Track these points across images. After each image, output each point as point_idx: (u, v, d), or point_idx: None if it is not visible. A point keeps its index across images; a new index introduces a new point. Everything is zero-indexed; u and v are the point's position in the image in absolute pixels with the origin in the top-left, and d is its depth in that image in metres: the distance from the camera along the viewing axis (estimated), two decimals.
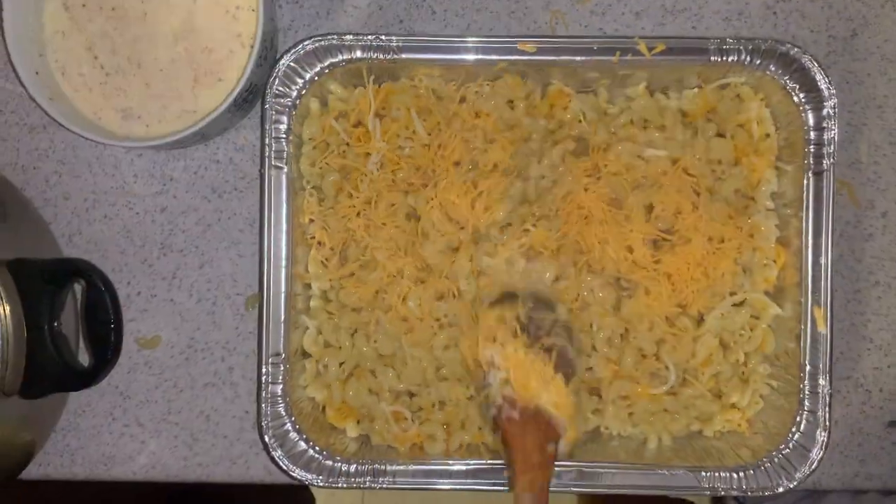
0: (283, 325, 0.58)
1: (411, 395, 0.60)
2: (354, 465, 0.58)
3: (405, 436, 0.59)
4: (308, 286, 0.61)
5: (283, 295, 0.58)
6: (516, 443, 0.52)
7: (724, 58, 0.57)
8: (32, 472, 0.64)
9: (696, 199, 0.58)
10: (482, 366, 0.55)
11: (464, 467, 0.58)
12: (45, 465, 0.64)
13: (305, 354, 0.61)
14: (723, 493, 0.57)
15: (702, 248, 0.58)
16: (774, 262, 0.60)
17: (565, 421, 0.54)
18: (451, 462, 0.58)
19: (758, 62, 0.57)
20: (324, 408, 0.61)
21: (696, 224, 0.58)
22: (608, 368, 0.59)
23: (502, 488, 0.58)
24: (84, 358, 0.59)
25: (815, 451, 0.57)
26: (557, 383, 0.54)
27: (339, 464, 0.58)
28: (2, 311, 0.51)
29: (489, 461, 0.58)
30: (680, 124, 0.59)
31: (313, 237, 0.60)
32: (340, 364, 0.60)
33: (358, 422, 0.61)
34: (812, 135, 0.58)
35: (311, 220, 0.60)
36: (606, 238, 0.57)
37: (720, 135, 0.60)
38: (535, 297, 0.57)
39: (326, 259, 0.60)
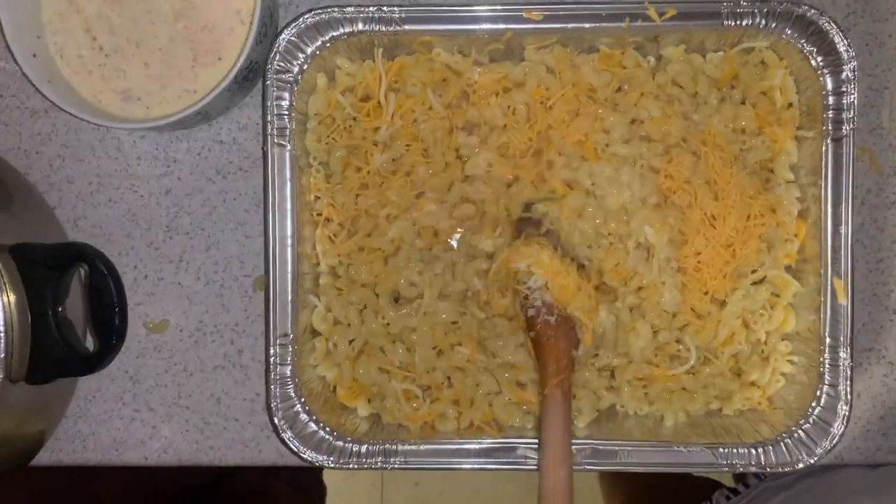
0: (290, 305, 0.57)
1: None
2: (366, 446, 0.58)
3: (416, 414, 0.58)
4: (316, 264, 0.60)
5: (289, 275, 0.57)
6: (550, 345, 0.56)
7: (738, 22, 0.55)
8: (44, 458, 0.64)
9: (728, 173, 0.57)
10: (519, 272, 0.57)
11: (476, 446, 0.57)
12: (57, 452, 0.64)
13: (315, 333, 0.60)
14: (741, 469, 0.56)
15: (733, 228, 0.56)
16: (795, 236, 0.58)
17: (587, 326, 0.57)
18: (463, 441, 0.57)
19: (773, 25, 0.55)
20: (334, 387, 0.60)
21: (729, 201, 0.56)
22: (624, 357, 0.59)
23: (515, 467, 0.57)
24: (92, 343, 0.59)
25: (836, 425, 0.56)
26: (587, 290, 0.57)
27: (350, 444, 0.58)
28: (5, 298, 0.50)
29: (501, 440, 0.58)
30: (714, 89, 0.58)
31: (320, 214, 0.59)
32: (350, 342, 0.60)
33: (369, 400, 0.60)
34: (831, 100, 0.55)
35: (318, 198, 0.59)
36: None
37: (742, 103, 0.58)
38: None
39: (334, 235, 0.59)
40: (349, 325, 0.60)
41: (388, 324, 0.59)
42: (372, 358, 0.59)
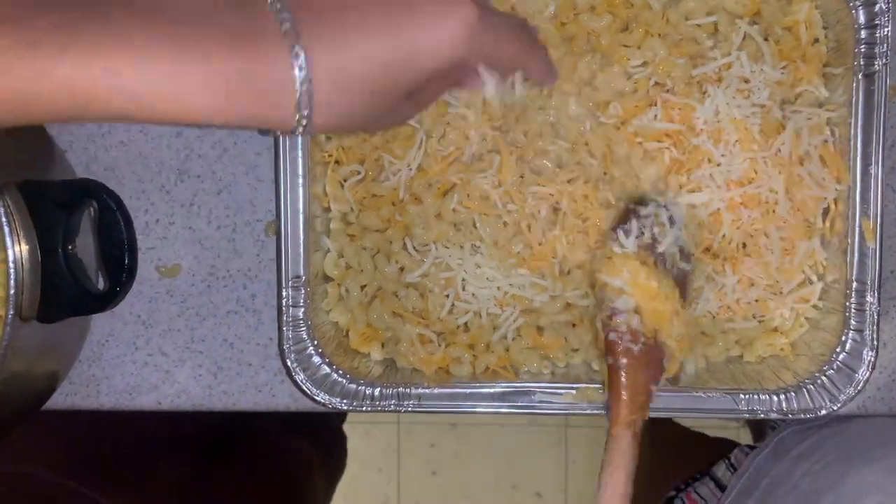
0: (302, 247, 0.56)
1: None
2: (379, 389, 0.57)
3: (431, 359, 0.57)
4: (327, 208, 0.59)
5: (301, 216, 0.56)
6: (629, 378, 0.51)
7: None
8: (58, 402, 0.64)
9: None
10: (605, 286, 0.52)
11: (490, 390, 0.57)
12: (72, 395, 0.64)
13: (327, 278, 0.60)
14: (762, 415, 0.55)
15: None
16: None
17: (675, 356, 0.52)
18: (477, 385, 0.57)
19: None
20: (347, 332, 0.60)
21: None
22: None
23: (530, 411, 0.56)
24: (103, 283, 0.58)
25: (861, 371, 0.54)
26: (683, 316, 0.52)
27: (364, 387, 0.57)
28: (15, 234, 0.50)
29: (517, 384, 0.57)
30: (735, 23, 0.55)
31: (331, 155, 0.58)
32: (363, 287, 0.59)
33: (383, 345, 0.59)
34: (863, 34, 0.53)
35: (329, 137, 0.57)
36: None
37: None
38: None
39: (344, 179, 0.58)
40: (362, 270, 0.59)
41: (402, 268, 0.58)
42: (385, 303, 0.59)
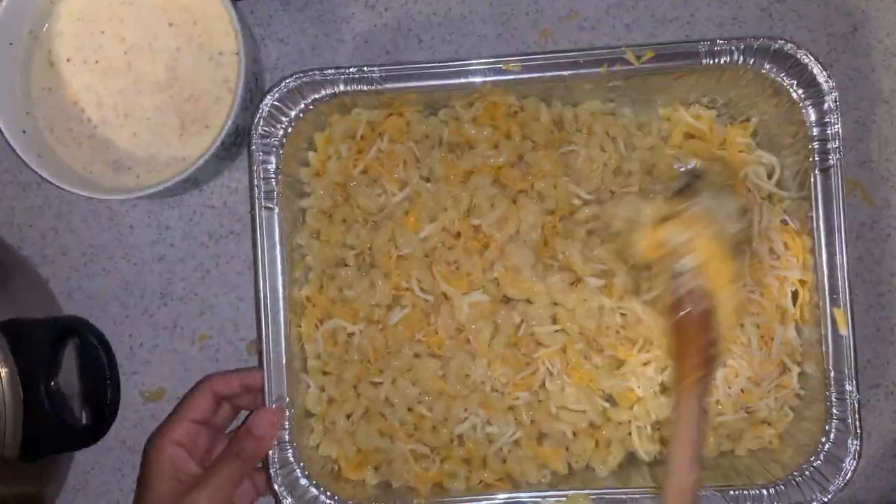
0: (284, 368, 0.56)
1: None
2: None
3: (426, 475, 0.57)
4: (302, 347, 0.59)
5: (282, 336, 0.56)
6: (694, 335, 0.50)
7: (717, 60, 0.56)
8: None
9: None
10: (663, 248, 0.51)
11: (488, 503, 0.56)
12: None
13: (310, 414, 0.59)
14: None
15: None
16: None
17: (724, 333, 0.51)
18: (476, 496, 0.56)
19: (751, 61, 0.56)
20: (338, 463, 0.59)
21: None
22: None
23: None
24: (86, 417, 0.58)
25: (847, 460, 0.54)
26: (738, 290, 0.51)
27: None
28: None
29: (515, 494, 0.56)
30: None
31: (309, 299, 0.59)
32: (348, 416, 0.58)
33: (376, 468, 0.58)
34: (815, 131, 0.55)
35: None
36: None
37: None
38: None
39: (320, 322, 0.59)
40: (345, 401, 0.58)
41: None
42: (372, 424, 0.58)
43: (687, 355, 0.50)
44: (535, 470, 0.58)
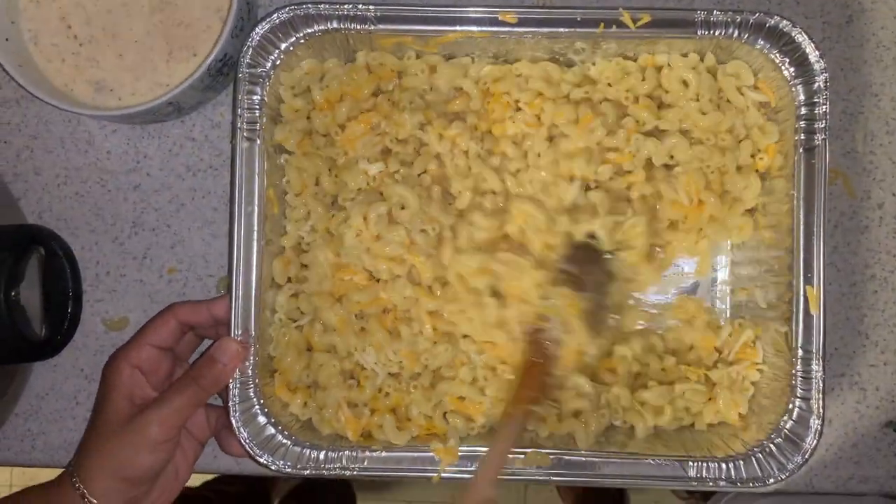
0: (253, 302, 0.55)
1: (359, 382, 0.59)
2: (324, 452, 0.55)
3: (357, 423, 0.57)
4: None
5: (253, 275, 0.55)
6: (541, 374, 0.56)
7: (711, 31, 0.56)
8: None
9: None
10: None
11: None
12: (4, 451, 0.62)
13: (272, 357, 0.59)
14: (711, 484, 0.54)
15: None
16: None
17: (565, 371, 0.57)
18: (423, 448, 0.56)
19: (746, 36, 0.56)
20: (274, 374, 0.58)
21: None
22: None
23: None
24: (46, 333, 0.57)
25: (808, 439, 0.54)
26: (591, 347, 0.57)
27: (309, 451, 0.55)
28: None
29: (468, 447, 0.56)
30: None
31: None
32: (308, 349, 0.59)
33: (305, 404, 0.58)
34: (803, 110, 0.56)
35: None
36: None
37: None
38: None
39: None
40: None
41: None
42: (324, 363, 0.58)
43: (527, 387, 0.56)
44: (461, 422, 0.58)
